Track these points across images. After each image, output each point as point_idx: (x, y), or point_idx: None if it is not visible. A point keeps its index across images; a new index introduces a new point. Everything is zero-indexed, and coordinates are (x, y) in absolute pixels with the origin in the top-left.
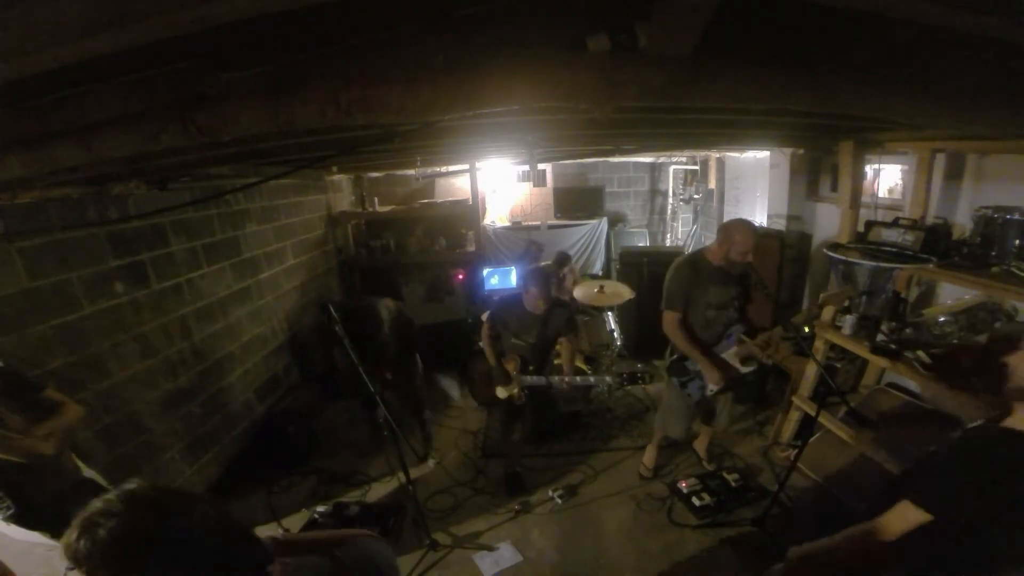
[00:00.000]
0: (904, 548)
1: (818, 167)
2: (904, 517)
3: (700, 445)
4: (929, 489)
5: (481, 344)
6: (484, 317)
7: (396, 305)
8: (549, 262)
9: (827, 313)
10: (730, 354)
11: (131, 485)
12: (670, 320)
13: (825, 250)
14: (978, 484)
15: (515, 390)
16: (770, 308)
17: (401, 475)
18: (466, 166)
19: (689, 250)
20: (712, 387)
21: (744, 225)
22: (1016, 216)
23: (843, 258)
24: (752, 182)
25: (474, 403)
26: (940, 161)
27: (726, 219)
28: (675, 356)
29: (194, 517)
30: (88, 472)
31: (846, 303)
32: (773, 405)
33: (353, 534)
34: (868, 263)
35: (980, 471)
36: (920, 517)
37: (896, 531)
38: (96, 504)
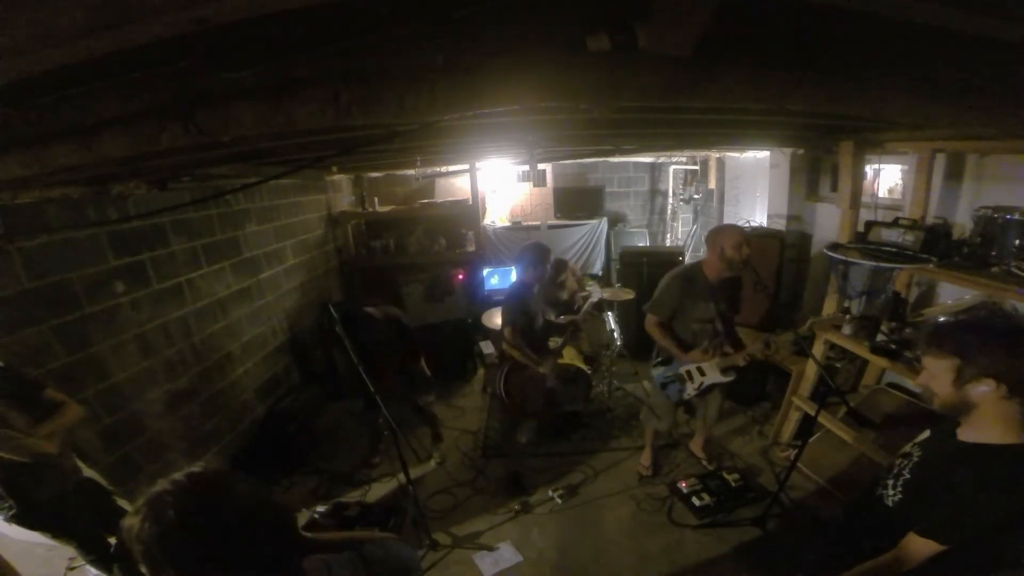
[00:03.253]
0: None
1: (818, 167)
2: (917, 550)
3: (696, 446)
4: (935, 521)
5: (505, 348)
6: (508, 330)
7: (393, 313)
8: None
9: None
10: (712, 364)
11: (195, 468)
12: (650, 322)
13: (825, 250)
14: (983, 506)
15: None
16: (768, 308)
17: (401, 475)
18: (466, 166)
19: (689, 250)
20: (690, 391)
21: (726, 224)
22: (1016, 216)
23: (843, 258)
24: (752, 182)
25: (512, 414)
26: (940, 161)
27: (726, 219)
28: (659, 359)
29: (252, 500)
30: (88, 472)
31: (845, 304)
32: (773, 405)
33: (378, 535)
34: (868, 263)
35: (989, 494)
36: (934, 548)
37: (911, 563)
38: (162, 485)
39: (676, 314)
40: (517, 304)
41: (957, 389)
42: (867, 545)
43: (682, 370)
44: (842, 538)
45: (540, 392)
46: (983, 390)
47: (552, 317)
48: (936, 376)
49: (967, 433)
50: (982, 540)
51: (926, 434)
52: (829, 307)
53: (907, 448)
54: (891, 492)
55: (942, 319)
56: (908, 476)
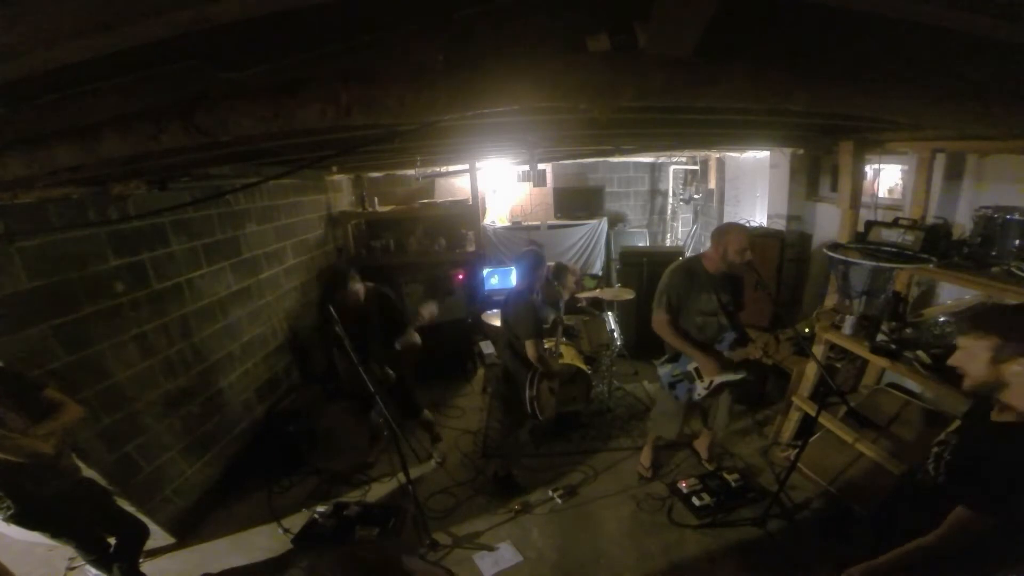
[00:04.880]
0: (968, 552)
1: (818, 167)
2: (968, 522)
3: (701, 445)
4: (983, 495)
5: (532, 359)
6: (531, 344)
7: (373, 287)
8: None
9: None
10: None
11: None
12: (659, 320)
13: (825, 250)
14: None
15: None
16: (770, 308)
17: (401, 475)
18: (466, 166)
19: (689, 250)
20: (700, 391)
21: (736, 225)
22: (1016, 216)
23: (843, 258)
24: (752, 182)
25: (540, 416)
26: (940, 161)
27: (726, 219)
28: (666, 356)
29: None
30: (88, 472)
31: (846, 304)
32: (773, 405)
33: None
34: (868, 263)
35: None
36: (984, 521)
37: (957, 537)
38: None
39: (680, 307)
40: (533, 311)
41: (992, 368)
42: (907, 529)
43: (690, 367)
44: (879, 527)
45: (554, 396)
46: (1016, 370)
47: (552, 318)
48: (974, 356)
49: (1001, 414)
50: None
51: (957, 423)
52: (829, 307)
53: (942, 436)
54: (933, 474)
55: (983, 304)
56: (950, 458)
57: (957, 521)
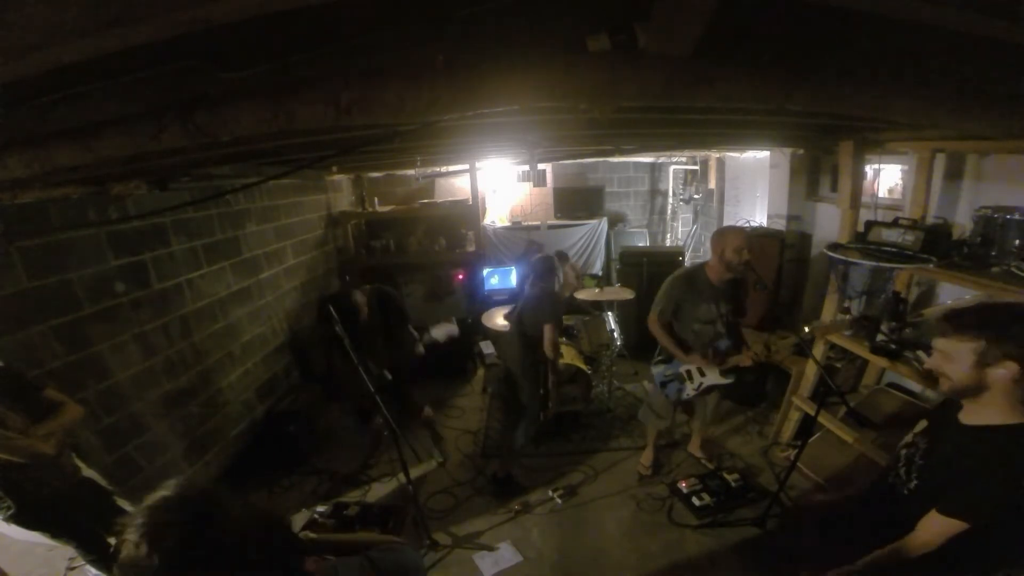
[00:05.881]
0: (939, 558)
1: (818, 167)
2: (941, 530)
3: (694, 447)
4: (958, 502)
5: (548, 350)
6: (549, 328)
7: (379, 289)
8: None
9: (827, 314)
10: (713, 365)
11: (168, 492)
12: (652, 320)
13: (825, 250)
14: (1006, 484)
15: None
16: (767, 309)
17: (401, 475)
18: (466, 166)
19: (689, 251)
20: (689, 391)
21: (732, 227)
22: (1016, 216)
23: (843, 258)
24: (752, 182)
25: (548, 410)
26: (940, 161)
27: (726, 219)
28: (660, 357)
29: (244, 514)
30: (88, 472)
31: (845, 304)
32: (773, 405)
33: (384, 539)
34: (868, 263)
35: (1004, 472)
36: (955, 527)
37: (931, 544)
38: (153, 510)
39: (677, 314)
40: (556, 300)
41: (976, 371)
42: (882, 534)
43: (682, 369)
44: (854, 530)
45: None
46: (1002, 373)
47: None
48: (954, 359)
49: (971, 417)
50: (1004, 518)
51: (923, 424)
52: (829, 307)
53: (909, 439)
54: (905, 479)
55: (959, 303)
56: (922, 463)
57: (929, 527)
